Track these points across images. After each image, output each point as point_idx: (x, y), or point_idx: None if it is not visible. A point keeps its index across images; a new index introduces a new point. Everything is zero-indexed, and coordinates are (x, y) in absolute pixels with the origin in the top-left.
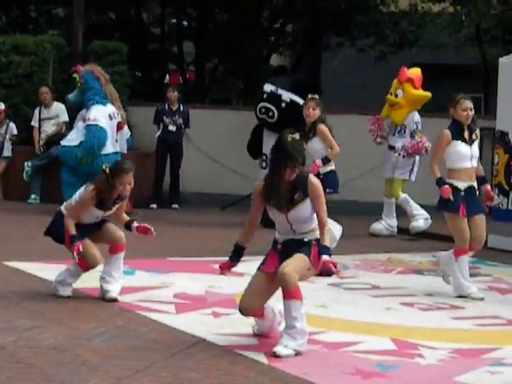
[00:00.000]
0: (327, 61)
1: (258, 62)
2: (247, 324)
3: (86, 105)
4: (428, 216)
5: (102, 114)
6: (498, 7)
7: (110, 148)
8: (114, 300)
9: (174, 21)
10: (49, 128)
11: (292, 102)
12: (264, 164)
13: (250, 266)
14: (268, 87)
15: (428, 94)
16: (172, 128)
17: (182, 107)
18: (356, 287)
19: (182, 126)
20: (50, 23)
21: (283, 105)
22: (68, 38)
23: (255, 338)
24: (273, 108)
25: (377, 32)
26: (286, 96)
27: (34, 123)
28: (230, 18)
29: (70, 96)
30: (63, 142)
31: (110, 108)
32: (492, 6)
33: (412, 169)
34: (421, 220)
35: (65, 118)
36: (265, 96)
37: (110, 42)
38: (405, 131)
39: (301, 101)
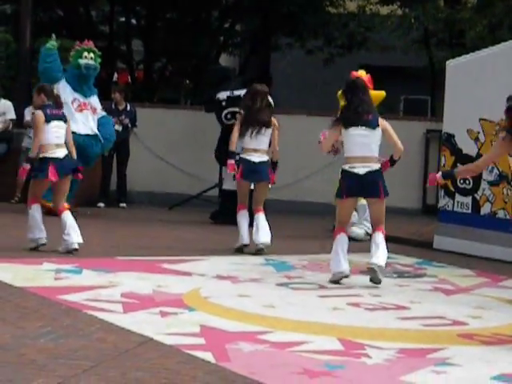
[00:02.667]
0: (276, 61)
1: (207, 62)
2: (195, 323)
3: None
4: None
5: None
6: (446, 10)
7: None
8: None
9: (123, 19)
10: None
11: None
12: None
13: (197, 266)
14: (222, 95)
15: (382, 92)
16: (118, 127)
17: (128, 106)
18: (303, 287)
19: (129, 125)
20: None
21: None
22: (15, 35)
23: (202, 337)
24: (238, 109)
25: (325, 33)
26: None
27: None
28: (179, 17)
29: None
30: (84, 131)
31: None
32: (440, 9)
33: None
34: (363, 230)
35: (12, 115)
36: (224, 103)
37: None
38: None
39: None
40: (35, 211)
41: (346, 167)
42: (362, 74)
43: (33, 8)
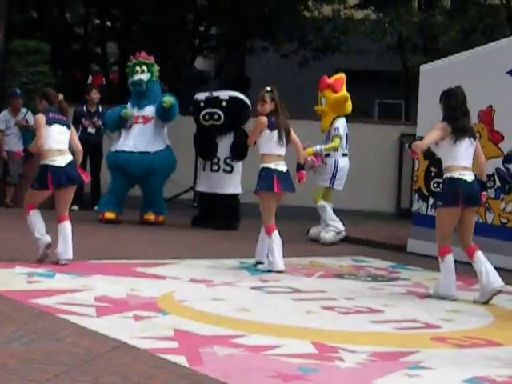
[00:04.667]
0: (251, 65)
1: (182, 65)
2: (169, 327)
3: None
4: (342, 229)
5: None
6: (420, 15)
7: None
8: None
9: (98, 21)
10: None
11: (230, 97)
12: (216, 167)
13: (171, 269)
14: (201, 95)
15: (343, 93)
16: (91, 130)
17: (100, 109)
18: (278, 291)
19: (102, 127)
20: None
21: (224, 104)
22: None
23: (176, 341)
24: (216, 110)
25: (300, 37)
26: (224, 94)
27: None
28: (154, 20)
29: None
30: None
31: None
32: (414, 14)
33: (333, 176)
34: (331, 233)
35: None
36: (202, 104)
37: (31, 42)
38: (330, 137)
39: (237, 93)
40: (33, 216)
41: (457, 175)
42: (336, 76)
43: (6, 9)
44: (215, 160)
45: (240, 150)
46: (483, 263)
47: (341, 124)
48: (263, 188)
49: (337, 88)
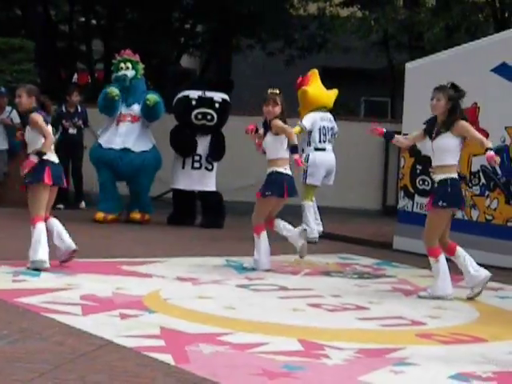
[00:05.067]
0: (237, 63)
1: (167, 63)
2: (155, 325)
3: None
4: (312, 236)
5: None
6: (405, 13)
7: None
8: None
9: (83, 19)
10: None
11: (224, 100)
12: (197, 164)
13: (157, 267)
14: (193, 94)
15: (303, 88)
16: (72, 131)
17: (79, 108)
18: (264, 288)
19: (82, 126)
20: None
21: (217, 105)
22: None
23: (162, 339)
24: (210, 111)
25: (286, 35)
26: (218, 97)
27: None
28: (139, 18)
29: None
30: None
31: None
32: (398, 11)
33: (305, 172)
34: (315, 235)
35: None
36: (194, 102)
37: (15, 39)
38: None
39: (226, 95)
40: (42, 231)
41: (457, 175)
42: (309, 72)
43: None
44: (197, 157)
45: (220, 151)
46: (466, 257)
47: (307, 117)
48: (274, 193)
49: (304, 85)
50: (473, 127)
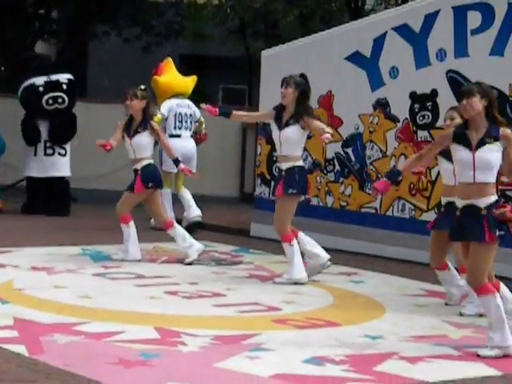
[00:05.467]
0: (94, 50)
1: (22, 49)
2: (8, 316)
3: None
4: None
5: None
6: (261, 1)
7: None
8: None
9: None
10: None
11: (70, 80)
12: (50, 151)
13: (10, 257)
14: (39, 80)
15: (154, 78)
16: None
17: None
18: (120, 277)
19: None
20: None
21: (64, 87)
22: None
23: (16, 330)
24: (60, 94)
25: (143, 22)
26: (64, 78)
27: None
28: None
29: None
30: None
31: None
32: (254, 0)
33: (160, 158)
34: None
35: None
36: (41, 89)
37: None
38: None
39: (71, 77)
40: None
41: None
42: (166, 61)
43: None
44: (49, 144)
45: (67, 133)
46: (307, 241)
47: (163, 104)
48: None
49: (157, 74)
50: (326, 114)
